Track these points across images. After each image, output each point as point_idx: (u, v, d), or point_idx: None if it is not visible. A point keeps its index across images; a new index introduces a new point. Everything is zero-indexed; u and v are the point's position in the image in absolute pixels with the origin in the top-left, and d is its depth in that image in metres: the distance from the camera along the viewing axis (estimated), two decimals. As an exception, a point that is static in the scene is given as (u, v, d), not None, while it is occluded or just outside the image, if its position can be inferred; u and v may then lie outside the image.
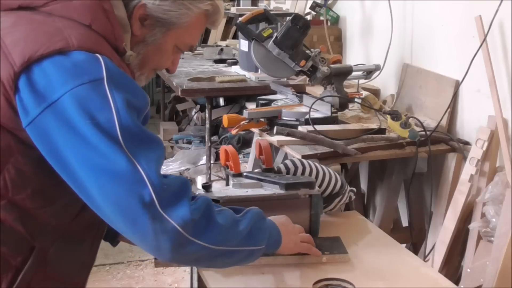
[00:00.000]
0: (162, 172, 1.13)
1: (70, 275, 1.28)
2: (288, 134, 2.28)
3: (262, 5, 4.56)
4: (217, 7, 1.34)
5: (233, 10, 4.33)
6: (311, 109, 2.38)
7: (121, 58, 1.23)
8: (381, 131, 2.40)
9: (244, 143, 3.84)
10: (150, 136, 1.14)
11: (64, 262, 1.24)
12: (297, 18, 2.49)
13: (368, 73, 2.80)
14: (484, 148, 2.22)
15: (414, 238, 2.62)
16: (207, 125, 3.30)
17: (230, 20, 4.87)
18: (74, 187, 1.12)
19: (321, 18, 3.52)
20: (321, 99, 2.49)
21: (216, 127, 4.20)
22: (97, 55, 1.13)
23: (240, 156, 3.66)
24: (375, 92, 2.98)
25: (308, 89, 2.99)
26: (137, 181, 1.08)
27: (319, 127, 2.30)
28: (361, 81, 2.86)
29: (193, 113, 4.93)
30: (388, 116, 2.40)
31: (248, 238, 1.26)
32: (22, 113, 1.11)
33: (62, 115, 1.08)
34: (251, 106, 2.77)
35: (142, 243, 1.12)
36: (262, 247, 1.30)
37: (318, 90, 2.79)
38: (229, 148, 1.72)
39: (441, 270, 2.30)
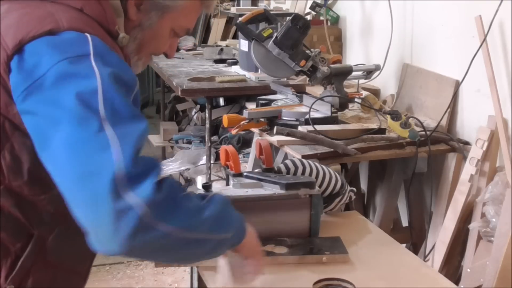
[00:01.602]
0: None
1: (72, 263, 1.28)
2: (288, 134, 2.28)
3: (262, 5, 4.55)
4: None
5: (233, 10, 4.33)
6: (311, 109, 2.38)
7: (114, 41, 1.24)
8: (381, 131, 2.40)
9: (244, 143, 3.84)
10: (133, 112, 1.09)
11: (64, 251, 1.23)
12: (297, 18, 2.49)
13: (368, 73, 2.80)
14: (484, 148, 2.22)
15: (414, 238, 2.62)
16: (207, 125, 3.30)
17: (230, 20, 4.87)
18: (45, 160, 1.07)
19: (321, 18, 3.52)
20: (321, 99, 2.49)
21: (216, 127, 4.20)
22: (87, 34, 1.13)
23: (240, 156, 3.66)
24: (375, 92, 2.98)
25: (308, 89, 2.99)
26: (106, 152, 1.00)
27: (319, 127, 2.30)
28: (361, 81, 2.86)
29: (193, 113, 4.93)
30: (388, 116, 2.40)
31: (216, 224, 1.14)
32: (14, 94, 1.11)
33: (46, 88, 1.07)
34: (251, 106, 2.78)
35: (98, 229, 1.00)
36: (230, 234, 1.19)
37: (318, 90, 2.79)
38: (229, 148, 1.72)
39: (441, 270, 2.30)
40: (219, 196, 1.20)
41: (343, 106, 2.58)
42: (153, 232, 1.00)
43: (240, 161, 1.75)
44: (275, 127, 2.32)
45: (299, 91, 2.87)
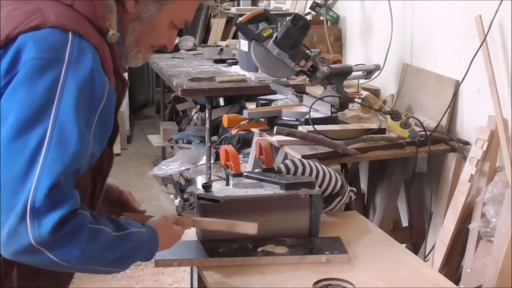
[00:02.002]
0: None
1: None
2: (288, 134, 2.28)
3: (262, 5, 4.55)
4: None
5: (233, 10, 4.33)
6: (311, 109, 2.38)
7: (104, 38, 1.24)
8: (381, 131, 2.40)
9: (244, 143, 3.83)
10: (76, 141, 1.11)
11: None
12: (297, 18, 2.49)
13: (368, 73, 2.80)
14: (484, 148, 2.22)
15: (414, 238, 2.62)
16: (207, 125, 3.30)
17: (230, 20, 4.87)
18: None
19: (321, 18, 3.52)
20: (321, 99, 2.49)
21: (216, 127, 4.20)
22: (69, 35, 1.15)
23: (240, 156, 3.66)
24: (375, 92, 2.98)
25: (308, 89, 2.99)
26: (27, 176, 1.07)
27: (319, 127, 2.30)
28: (361, 81, 2.86)
29: (193, 113, 4.93)
30: (388, 116, 2.40)
31: (114, 262, 1.21)
32: None
33: (17, 79, 1.11)
34: (251, 106, 2.78)
35: None
36: (125, 268, 1.26)
37: (318, 90, 2.79)
38: (229, 148, 1.72)
39: (441, 270, 2.30)
40: (134, 236, 1.24)
41: (343, 106, 2.58)
42: (41, 257, 1.09)
43: (240, 161, 1.75)
44: (275, 127, 2.32)
45: (299, 91, 2.87)
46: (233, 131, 2.48)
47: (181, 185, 4.34)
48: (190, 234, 1.63)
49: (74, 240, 1.11)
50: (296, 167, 1.74)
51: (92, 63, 1.17)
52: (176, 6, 1.34)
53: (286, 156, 2.51)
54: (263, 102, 2.67)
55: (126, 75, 1.36)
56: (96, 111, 1.17)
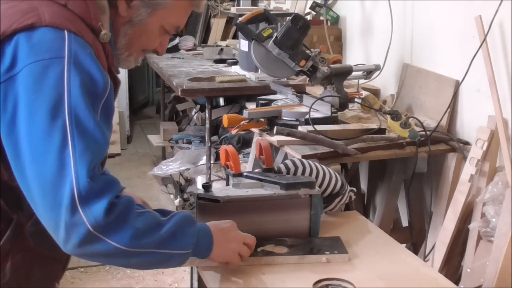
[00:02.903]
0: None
1: (49, 249, 1.29)
2: (288, 134, 2.28)
3: (262, 5, 4.55)
4: None
5: (233, 10, 4.33)
6: (311, 109, 2.38)
7: (96, 37, 1.26)
8: (381, 131, 2.40)
9: (244, 143, 3.83)
10: (93, 128, 1.16)
11: (42, 236, 1.25)
12: (297, 18, 2.48)
13: (368, 73, 2.80)
14: (484, 148, 2.22)
15: (414, 238, 2.62)
16: (207, 125, 3.30)
17: (230, 20, 4.87)
18: (11, 158, 1.15)
19: (321, 18, 3.52)
20: (321, 99, 2.49)
21: (216, 127, 4.20)
22: (65, 33, 1.17)
23: (240, 156, 3.66)
24: (375, 92, 2.98)
25: (308, 89, 2.99)
26: (64, 170, 1.11)
27: (319, 127, 2.30)
28: (361, 81, 2.86)
29: (193, 113, 4.93)
30: (388, 116, 2.40)
31: (169, 241, 1.24)
32: None
33: (17, 87, 1.13)
34: (251, 106, 2.78)
35: (54, 232, 1.14)
36: (187, 251, 1.29)
37: (318, 90, 2.79)
38: (229, 148, 1.72)
39: (441, 270, 2.30)
40: (181, 214, 1.30)
41: (343, 106, 2.58)
42: (100, 245, 1.14)
43: (240, 161, 1.75)
44: (275, 127, 2.32)
45: (299, 91, 2.87)
46: (233, 131, 2.48)
47: (181, 185, 4.34)
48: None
49: (125, 221, 1.17)
50: (296, 167, 1.74)
51: (90, 57, 1.19)
52: (168, 12, 1.36)
53: (286, 156, 2.51)
54: (263, 102, 2.67)
55: (119, 76, 1.37)
56: (99, 103, 1.20)
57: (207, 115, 3.29)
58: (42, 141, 1.12)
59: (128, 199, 1.20)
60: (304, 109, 2.47)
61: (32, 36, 1.16)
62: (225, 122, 2.40)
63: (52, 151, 1.11)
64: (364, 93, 2.71)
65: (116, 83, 1.32)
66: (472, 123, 2.44)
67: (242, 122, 2.41)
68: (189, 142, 4.47)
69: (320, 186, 1.72)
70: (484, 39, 2.24)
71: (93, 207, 1.12)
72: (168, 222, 1.26)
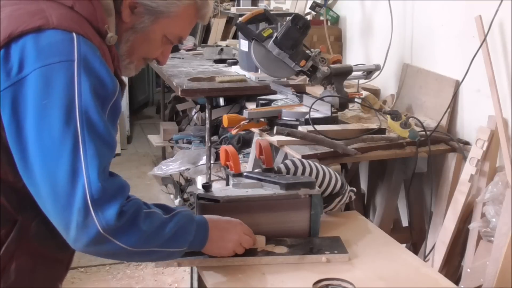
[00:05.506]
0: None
1: (53, 250, 1.31)
2: (288, 134, 2.28)
3: (262, 5, 4.55)
4: (205, 0, 1.39)
5: (233, 10, 4.33)
6: (311, 109, 2.38)
7: (103, 40, 1.26)
8: (381, 131, 2.40)
9: (244, 143, 3.83)
10: (104, 131, 1.17)
11: (46, 238, 1.27)
12: (297, 18, 2.48)
13: (368, 73, 2.80)
14: (484, 148, 2.22)
15: (414, 238, 2.62)
16: (207, 125, 3.30)
17: (230, 20, 4.87)
18: (17, 160, 1.16)
19: (321, 18, 3.52)
20: (321, 99, 2.49)
21: (216, 127, 4.20)
22: (74, 36, 1.17)
23: (240, 156, 3.66)
24: (375, 92, 2.98)
25: (308, 89, 2.99)
26: (76, 174, 1.13)
27: (319, 127, 2.30)
28: (361, 81, 2.86)
29: (193, 113, 4.93)
30: (388, 116, 2.41)
31: (170, 241, 1.29)
32: None
33: (26, 91, 1.13)
34: (251, 106, 2.77)
35: (64, 231, 1.16)
36: (183, 248, 1.34)
37: (318, 90, 2.79)
38: (229, 148, 1.72)
39: (441, 270, 2.30)
40: (183, 213, 1.34)
41: (343, 106, 2.58)
42: (108, 245, 1.18)
43: (240, 161, 1.75)
44: (275, 127, 2.31)
45: (299, 91, 2.87)
46: (233, 131, 2.48)
47: (181, 185, 4.34)
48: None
49: (134, 224, 1.20)
50: (296, 167, 1.74)
51: (99, 60, 1.19)
52: (171, 21, 1.35)
53: (286, 156, 2.51)
54: (263, 102, 2.67)
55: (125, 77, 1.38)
56: (107, 106, 1.20)
57: (207, 115, 3.29)
58: (54, 145, 1.13)
59: (137, 202, 1.23)
60: (304, 109, 2.47)
61: (39, 39, 1.15)
62: (225, 122, 2.40)
63: (64, 155, 1.12)
64: (364, 93, 2.71)
65: (122, 86, 1.32)
66: (472, 123, 2.44)
67: (242, 122, 2.41)
68: (189, 142, 4.47)
69: (320, 186, 1.72)
70: (484, 39, 2.24)
71: (105, 211, 1.14)
72: (170, 220, 1.29)
